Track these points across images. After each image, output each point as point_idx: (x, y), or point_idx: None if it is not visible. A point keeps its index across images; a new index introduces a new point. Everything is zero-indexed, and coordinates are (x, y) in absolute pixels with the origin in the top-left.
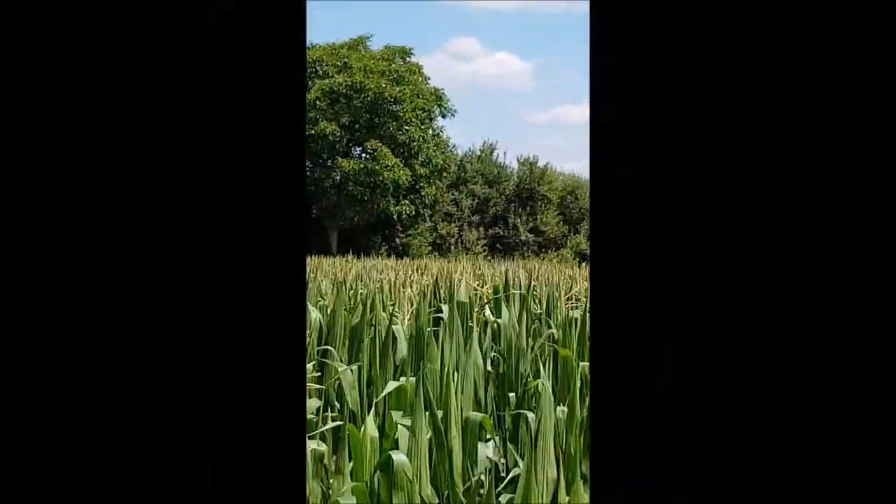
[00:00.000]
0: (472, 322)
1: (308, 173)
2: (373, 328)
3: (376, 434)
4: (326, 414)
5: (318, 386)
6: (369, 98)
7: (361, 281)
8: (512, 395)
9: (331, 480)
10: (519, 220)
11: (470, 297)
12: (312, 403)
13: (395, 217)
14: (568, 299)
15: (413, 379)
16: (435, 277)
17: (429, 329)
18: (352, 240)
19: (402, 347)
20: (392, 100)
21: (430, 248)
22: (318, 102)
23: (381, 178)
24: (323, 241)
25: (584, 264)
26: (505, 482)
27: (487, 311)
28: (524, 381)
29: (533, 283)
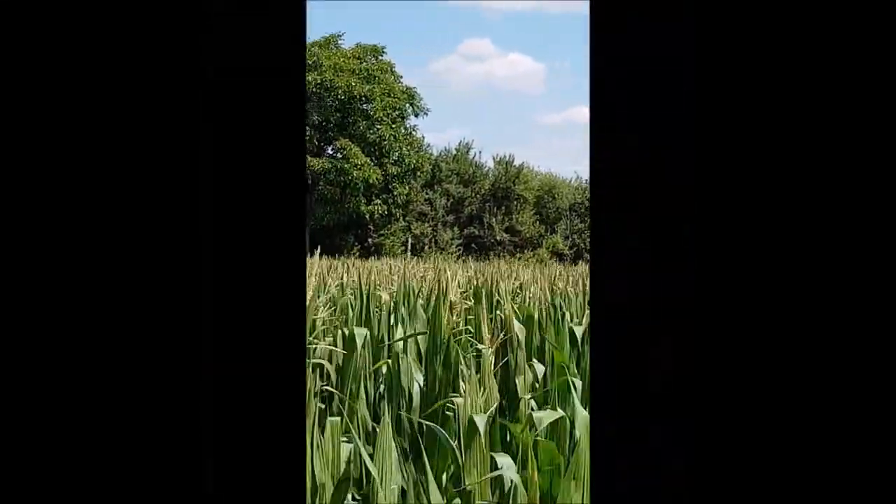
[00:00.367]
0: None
1: None
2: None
3: None
4: None
5: None
6: (340, 97)
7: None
8: None
9: None
10: (494, 220)
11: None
12: None
13: (366, 217)
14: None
15: None
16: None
17: None
18: (323, 239)
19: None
20: (362, 98)
21: (402, 248)
22: None
23: (350, 178)
24: None
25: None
26: None
27: None
28: None
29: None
